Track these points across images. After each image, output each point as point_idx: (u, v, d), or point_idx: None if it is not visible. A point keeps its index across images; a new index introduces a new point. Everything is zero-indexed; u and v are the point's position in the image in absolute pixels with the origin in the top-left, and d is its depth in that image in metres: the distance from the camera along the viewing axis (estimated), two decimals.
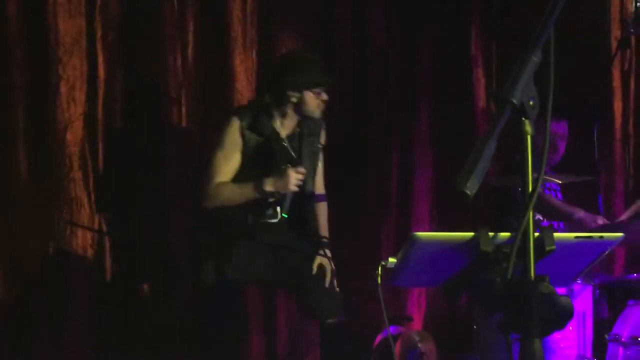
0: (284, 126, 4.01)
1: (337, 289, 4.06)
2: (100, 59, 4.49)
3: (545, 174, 4.40)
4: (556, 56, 1.71)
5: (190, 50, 4.71)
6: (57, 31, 4.39)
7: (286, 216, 3.88)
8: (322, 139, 4.16)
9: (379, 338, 4.89)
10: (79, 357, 4.45)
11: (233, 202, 3.89)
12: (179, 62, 4.69)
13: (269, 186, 3.80)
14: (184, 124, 4.73)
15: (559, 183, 4.58)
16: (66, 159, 4.41)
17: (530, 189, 1.71)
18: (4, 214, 4.31)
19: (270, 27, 5.03)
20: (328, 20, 5.28)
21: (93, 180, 4.48)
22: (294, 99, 3.94)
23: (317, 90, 3.94)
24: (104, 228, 4.52)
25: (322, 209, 4.19)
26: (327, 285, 3.96)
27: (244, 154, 3.93)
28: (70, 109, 4.42)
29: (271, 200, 3.88)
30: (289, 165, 3.86)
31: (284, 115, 4.00)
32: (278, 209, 3.90)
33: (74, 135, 4.43)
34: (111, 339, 4.50)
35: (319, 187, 4.21)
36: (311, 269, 3.98)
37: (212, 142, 4.06)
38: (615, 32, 5.60)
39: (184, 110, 4.71)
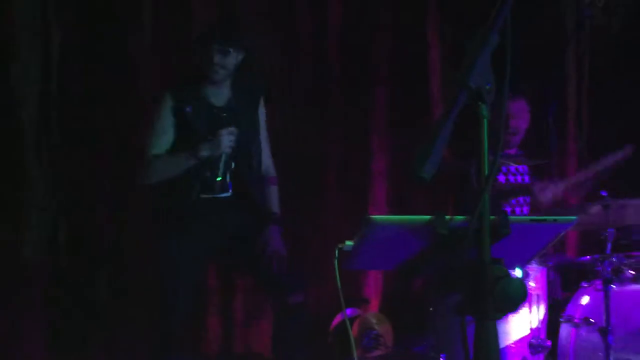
0: (215, 96, 3.95)
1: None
2: (55, 37, 4.43)
3: (504, 156, 4.45)
4: (513, 39, 1.71)
5: (147, 27, 4.66)
6: (10, 9, 4.32)
7: (220, 179, 3.82)
8: (261, 110, 4.09)
9: (336, 320, 4.91)
10: (34, 339, 4.42)
11: (169, 174, 3.82)
12: (137, 37, 4.64)
13: (202, 150, 3.76)
14: (143, 104, 4.69)
15: (515, 166, 4.61)
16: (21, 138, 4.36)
17: (486, 172, 1.71)
18: None
19: (232, 7, 5.00)
20: (287, 7, 5.25)
21: (48, 160, 4.43)
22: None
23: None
24: (59, 210, 4.47)
25: (273, 192, 4.14)
26: (275, 264, 3.92)
27: (178, 127, 3.87)
28: (25, 87, 4.36)
29: (206, 166, 3.83)
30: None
31: (206, 78, 3.91)
32: (216, 172, 3.85)
33: (29, 114, 4.37)
34: (68, 324, 4.47)
35: (268, 166, 4.15)
36: (268, 246, 3.95)
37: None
38: (571, 15, 5.65)
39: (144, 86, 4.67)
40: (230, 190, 3.92)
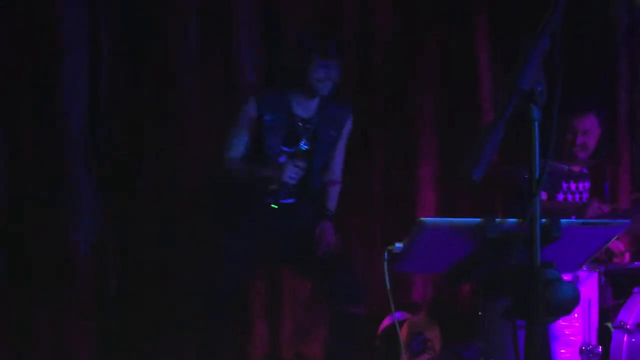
0: (302, 106, 3.96)
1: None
2: (104, 47, 4.49)
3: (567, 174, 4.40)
4: (564, 43, 1.71)
5: (194, 37, 4.70)
6: (61, 18, 4.39)
7: (276, 207, 3.88)
8: (347, 128, 4.10)
9: (384, 323, 4.90)
10: (82, 344, 4.47)
11: (245, 176, 3.92)
12: (183, 48, 4.68)
13: (265, 172, 3.84)
14: (188, 111, 4.73)
15: (576, 184, 4.54)
16: (70, 146, 4.42)
17: (536, 175, 1.71)
18: (10, 200, 4.32)
19: (276, 13, 5.01)
20: (333, 12, 5.25)
21: (97, 167, 4.49)
22: (297, 72, 3.89)
23: (315, 62, 3.84)
24: (108, 215, 4.53)
25: (333, 191, 4.16)
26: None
27: (258, 131, 3.91)
28: (75, 97, 4.42)
29: (272, 187, 3.88)
30: (298, 148, 3.88)
31: (297, 94, 3.94)
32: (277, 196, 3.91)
33: (78, 122, 4.44)
34: (114, 322, 4.52)
35: (335, 172, 4.16)
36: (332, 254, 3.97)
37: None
38: (624, 19, 5.57)
39: (188, 98, 4.71)
40: (294, 199, 3.96)
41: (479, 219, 1.87)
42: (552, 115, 1.71)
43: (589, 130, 4.50)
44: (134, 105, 4.63)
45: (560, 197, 4.53)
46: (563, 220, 1.83)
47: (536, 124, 1.70)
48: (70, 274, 4.45)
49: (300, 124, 3.96)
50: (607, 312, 4.20)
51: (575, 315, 3.90)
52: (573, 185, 4.53)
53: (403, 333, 4.80)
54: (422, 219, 1.87)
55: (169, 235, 4.66)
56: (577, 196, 4.59)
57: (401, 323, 4.87)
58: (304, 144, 3.95)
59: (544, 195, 4.32)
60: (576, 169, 4.55)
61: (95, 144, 4.50)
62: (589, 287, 3.99)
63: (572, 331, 3.93)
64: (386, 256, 1.96)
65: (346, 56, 5.21)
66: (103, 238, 4.52)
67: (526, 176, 1.68)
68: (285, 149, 3.94)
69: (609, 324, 4.11)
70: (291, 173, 3.81)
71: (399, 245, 1.96)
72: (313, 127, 3.97)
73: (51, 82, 4.41)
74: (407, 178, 5.46)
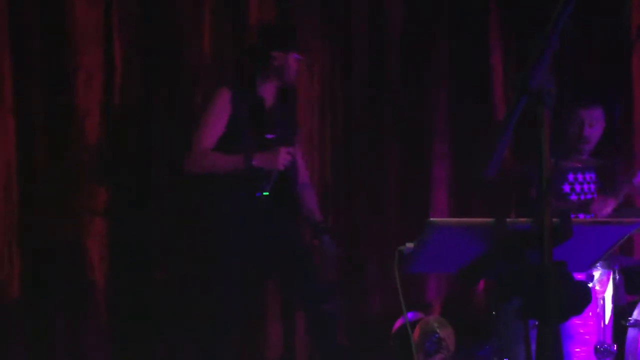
0: (265, 93, 4.01)
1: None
2: (117, 47, 4.51)
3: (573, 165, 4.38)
4: (575, 43, 1.71)
5: (206, 39, 4.71)
6: (74, 19, 4.40)
7: (267, 194, 3.87)
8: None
9: (397, 323, 4.90)
10: (97, 344, 4.48)
11: (216, 171, 3.89)
12: (196, 49, 4.69)
13: (257, 161, 3.80)
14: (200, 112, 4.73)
15: (583, 175, 4.53)
16: (84, 147, 4.44)
17: (546, 174, 1.70)
18: (23, 201, 4.34)
19: (287, 14, 5.01)
20: (344, 10, 5.24)
21: (112, 170, 4.50)
22: (276, 61, 3.95)
23: (297, 54, 3.97)
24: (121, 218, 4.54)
25: (310, 195, 4.18)
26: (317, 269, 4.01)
27: (232, 123, 3.92)
28: (88, 97, 4.44)
29: (255, 176, 3.86)
30: (273, 136, 3.89)
31: (264, 81, 3.99)
32: (265, 186, 3.90)
33: (92, 123, 4.45)
34: (129, 325, 4.53)
35: (302, 175, 4.18)
36: (303, 254, 4.02)
37: (201, 111, 4.11)
38: (637, 19, 5.55)
39: (200, 98, 4.71)
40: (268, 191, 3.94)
41: (489, 219, 1.87)
42: (561, 114, 1.71)
43: (593, 122, 4.50)
44: (147, 105, 4.64)
45: (567, 187, 4.52)
46: (574, 220, 1.83)
47: (545, 124, 1.70)
48: (85, 277, 4.46)
49: (268, 114, 3.99)
50: (621, 310, 4.18)
51: (590, 313, 3.88)
52: (580, 176, 4.52)
53: (417, 333, 4.80)
54: (431, 219, 1.87)
55: (181, 239, 4.67)
56: (585, 186, 4.59)
57: (415, 323, 4.87)
58: (275, 133, 3.97)
59: None
60: (582, 158, 4.57)
61: (110, 145, 4.51)
62: (603, 285, 3.97)
63: (587, 330, 3.91)
64: (397, 257, 1.96)
65: (357, 56, 5.25)
66: (115, 241, 4.54)
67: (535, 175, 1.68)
68: (270, 136, 3.93)
69: (624, 322, 4.09)
70: (285, 160, 3.81)
71: (409, 245, 1.96)
72: (278, 115, 4.01)
73: (65, 83, 4.42)
74: (421, 178, 5.45)
